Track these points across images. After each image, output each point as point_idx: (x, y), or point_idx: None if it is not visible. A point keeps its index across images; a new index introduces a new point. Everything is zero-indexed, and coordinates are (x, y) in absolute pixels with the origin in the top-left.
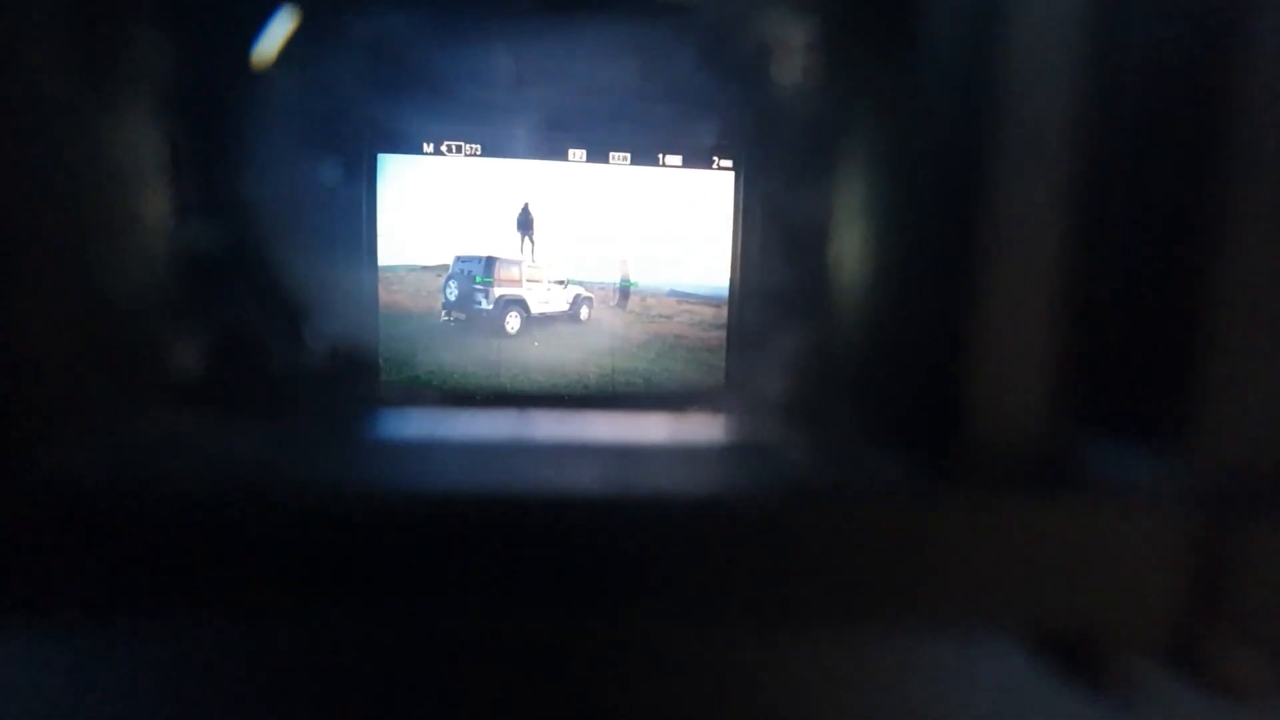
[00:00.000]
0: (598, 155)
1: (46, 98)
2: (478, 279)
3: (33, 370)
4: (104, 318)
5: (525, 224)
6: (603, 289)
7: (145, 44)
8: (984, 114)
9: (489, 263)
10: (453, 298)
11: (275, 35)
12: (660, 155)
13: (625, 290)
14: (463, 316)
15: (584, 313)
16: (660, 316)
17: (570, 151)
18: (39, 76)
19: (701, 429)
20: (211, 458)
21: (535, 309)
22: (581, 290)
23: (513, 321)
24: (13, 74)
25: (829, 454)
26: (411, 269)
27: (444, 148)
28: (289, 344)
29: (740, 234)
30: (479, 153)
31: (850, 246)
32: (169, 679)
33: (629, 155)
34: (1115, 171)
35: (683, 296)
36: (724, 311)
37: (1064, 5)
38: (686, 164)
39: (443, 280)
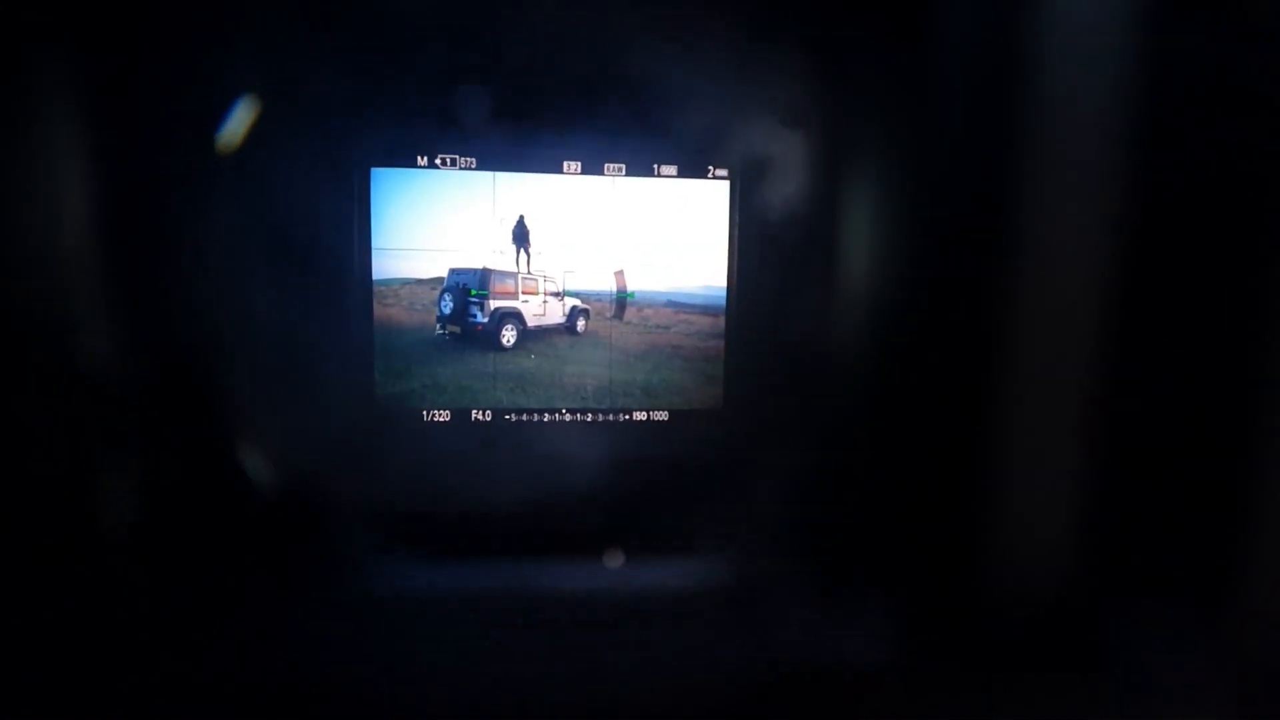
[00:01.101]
0: (592, 166)
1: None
2: (473, 292)
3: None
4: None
5: (520, 236)
6: (599, 300)
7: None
8: (987, 127)
9: (484, 275)
10: (448, 311)
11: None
12: (655, 165)
13: (622, 301)
14: (458, 330)
15: (580, 324)
16: (657, 327)
17: (565, 163)
18: None
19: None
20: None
21: (531, 321)
22: (578, 302)
23: (508, 334)
24: None
25: (822, 619)
26: (406, 282)
27: (438, 161)
28: (283, 358)
29: (737, 243)
30: (473, 165)
31: (849, 264)
32: None
33: (624, 166)
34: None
35: (680, 306)
36: (722, 321)
37: (1058, 25)
38: (682, 174)
39: (437, 294)
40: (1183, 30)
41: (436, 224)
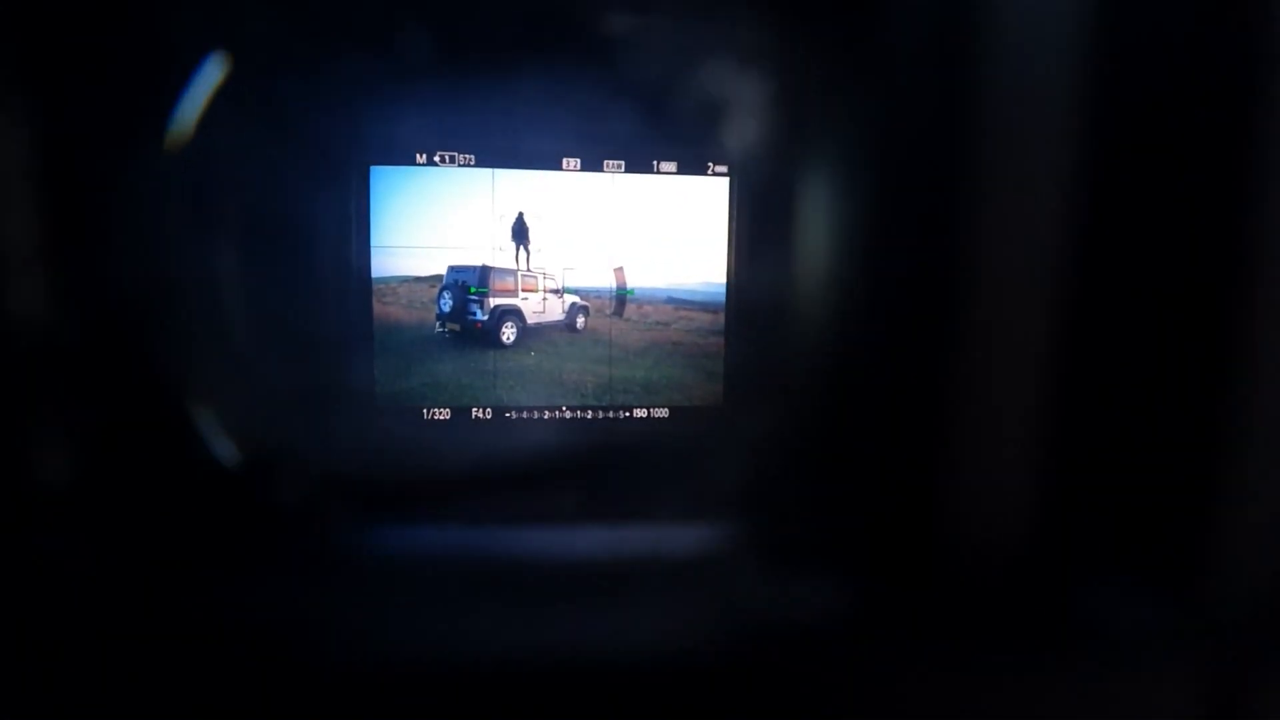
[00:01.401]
0: (592, 163)
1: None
2: (472, 289)
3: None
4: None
5: (520, 233)
6: (599, 297)
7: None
8: (972, 122)
9: (483, 273)
10: (447, 309)
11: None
12: (655, 162)
13: (622, 298)
14: (458, 327)
15: (580, 321)
16: (657, 324)
17: (564, 160)
18: None
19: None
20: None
21: (531, 319)
22: (578, 299)
23: (508, 331)
24: None
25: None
26: (405, 280)
27: (437, 158)
28: (283, 357)
29: (736, 239)
30: (472, 163)
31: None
32: None
33: (623, 163)
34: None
35: (680, 303)
36: (722, 317)
37: (1057, 16)
38: (681, 170)
39: (437, 291)
40: (1151, 16)
41: (436, 221)
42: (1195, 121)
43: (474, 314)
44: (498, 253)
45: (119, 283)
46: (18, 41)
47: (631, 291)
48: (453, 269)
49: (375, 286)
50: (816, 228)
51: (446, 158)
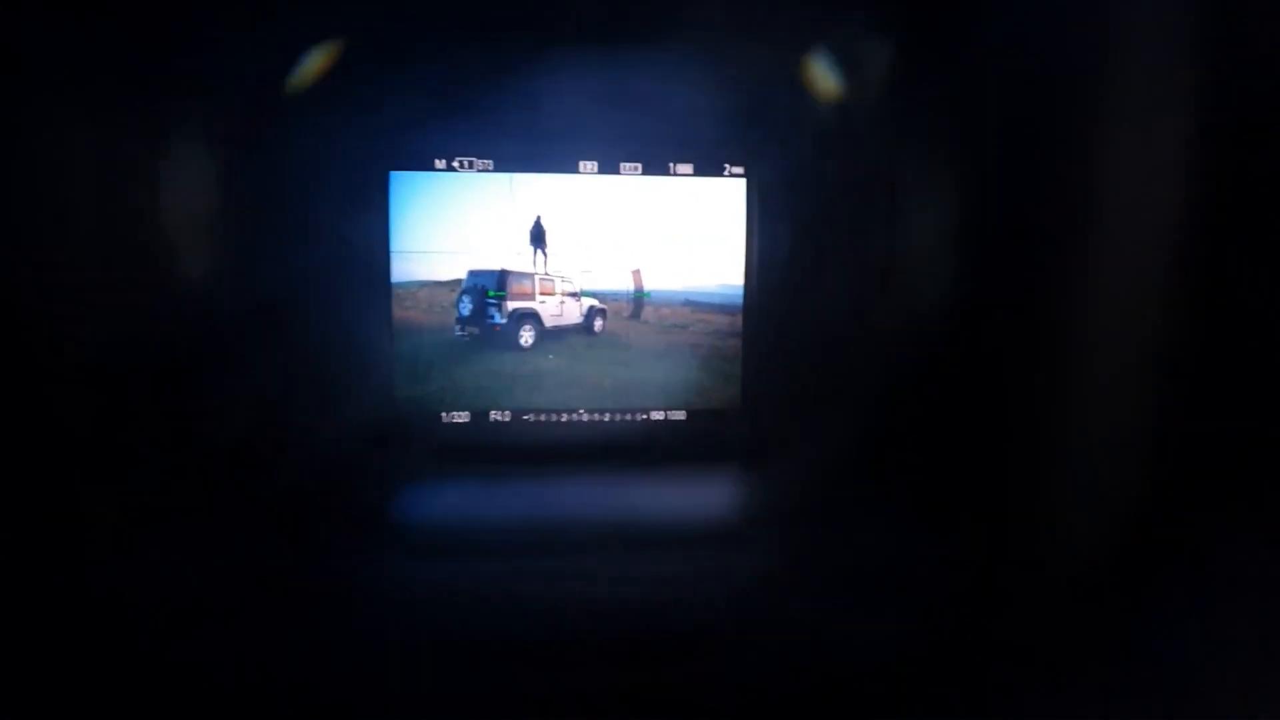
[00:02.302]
0: (609, 166)
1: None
2: (491, 293)
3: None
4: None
5: (538, 237)
6: (617, 300)
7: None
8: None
9: (502, 276)
10: (466, 312)
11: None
12: (671, 164)
13: (639, 300)
14: (476, 331)
15: (598, 324)
16: (675, 326)
17: (581, 163)
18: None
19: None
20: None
21: (549, 322)
22: (595, 302)
23: (527, 335)
24: None
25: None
26: (425, 284)
27: (455, 163)
28: (303, 362)
29: (753, 240)
30: (490, 167)
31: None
32: None
33: (640, 165)
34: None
35: (697, 305)
36: (739, 319)
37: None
38: (698, 172)
39: (456, 295)
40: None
41: (454, 226)
42: None
43: (492, 317)
44: (516, 256)
45: (129, 287)
46: (38, 47)
47: (649, 294)
48: (472, 273)
49: (395, 291)
50: (834, 229)
51: (465, 163)
